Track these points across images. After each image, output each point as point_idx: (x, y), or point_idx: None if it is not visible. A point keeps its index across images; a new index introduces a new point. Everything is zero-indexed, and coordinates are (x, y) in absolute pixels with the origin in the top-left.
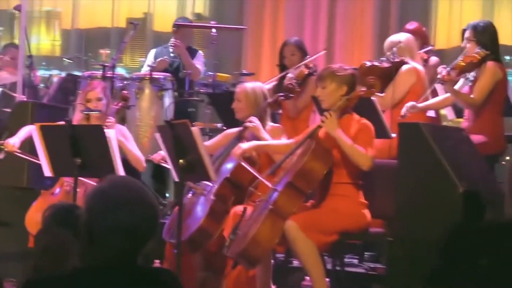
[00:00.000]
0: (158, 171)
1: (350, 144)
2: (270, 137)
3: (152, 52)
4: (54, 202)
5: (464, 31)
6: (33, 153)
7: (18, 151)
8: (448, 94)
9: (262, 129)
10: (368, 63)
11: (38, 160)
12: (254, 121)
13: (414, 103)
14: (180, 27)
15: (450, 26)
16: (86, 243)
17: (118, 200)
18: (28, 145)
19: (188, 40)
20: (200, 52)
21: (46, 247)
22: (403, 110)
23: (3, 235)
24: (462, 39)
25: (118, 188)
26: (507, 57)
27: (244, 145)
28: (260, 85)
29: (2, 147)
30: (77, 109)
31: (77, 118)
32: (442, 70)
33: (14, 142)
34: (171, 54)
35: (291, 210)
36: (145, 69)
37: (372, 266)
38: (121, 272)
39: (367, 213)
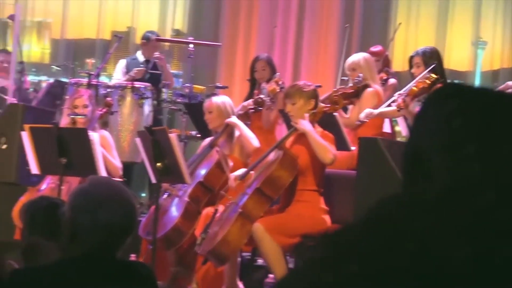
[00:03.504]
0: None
1: (319, 139)
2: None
3: (122, 62)
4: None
5: (411, 57)
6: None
7: None
8: None
9: (242, 124)
10: (336, 88)
11: None
12: (234, 120)
13: (371, 110)
14: (150, 40)
15: (406, 50)
16: (68, 238)
17: (99, 198)
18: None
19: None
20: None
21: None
22: (361, 116)
23: None
24: (410, 66)
25: (99, 187)
26: (457, 82)
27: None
28: (227, 98)
29: None
30: (64, 113)
31: (64, 121)
32: (398, 98)
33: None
34: (141, 65)
35: (258, 213)
36: (116, 77)
37: None
38: (101, 264)
39: (327, 218)
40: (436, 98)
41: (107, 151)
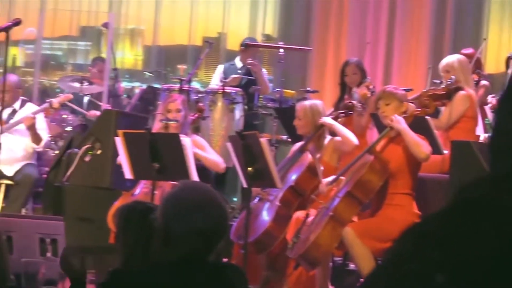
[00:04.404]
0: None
1: (414, 135)
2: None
3: (220, 67)
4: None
5: (508, 58)
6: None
7: None
8: None
9: (337, 124)
10: (427, 89)
11: None
12: (329, 120)
13: None
14: (249, 47)
15: (499, 51)
16: (161, 244)
17: (191, 204)
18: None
19: (254, 58)
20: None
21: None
22: None
23: (87, 231)
24: (507, 66)
25: (191, 193)
26: None
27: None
28: (318, 102)
29: (90, 152)
30: (156, 118)
31: (156, 126)
32: (492, 100)
33: None
34: (238, 71)
35: (349, 217)
36: (214, 83)
37: None
38: (193, 268)
39: None
40: None
41: (203, 151)
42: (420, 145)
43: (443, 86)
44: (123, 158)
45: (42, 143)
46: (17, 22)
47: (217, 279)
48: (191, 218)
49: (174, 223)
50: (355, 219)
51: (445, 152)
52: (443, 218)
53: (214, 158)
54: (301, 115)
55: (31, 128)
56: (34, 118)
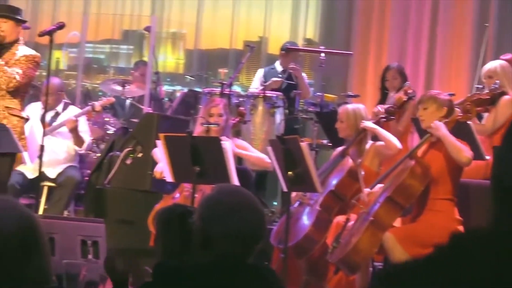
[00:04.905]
0: (261, 181)
1: (454, 140)
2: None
3: (260, 71)
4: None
5: None
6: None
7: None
8: None
9: (379, 128)
10: (471, 94)
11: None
12: (371, 124)
13: None
14: (289, 51)
15: None
16: (199, 246)
17: (228, 207)
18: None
19: (294, 62)
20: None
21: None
22: None
23: (128, 233)
24: None
25: (228, 196)
26: None
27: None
28: (361, 107)
29: (132, 155)
30: (198, 122)
31: (197, 130)
32: None
33: (161, 168)
34: (279, 75)
35: (389, 222)
36: (254, 87)
37: None
38: (232, 270)
39: (461, 229)
40: None
41: (246, 151)
42: (461, 150)
43: (487, 91)
44: (164, 162)
45: (85, 145)
46: (60, 26)
47: (254, 282)
48: (227, 221)
49: (211, 226)
50: (398, 224)
51: (488, 157)
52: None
53: (258, 155)
54: (344, 117)
55: (73, 130)
56: (76, 121)
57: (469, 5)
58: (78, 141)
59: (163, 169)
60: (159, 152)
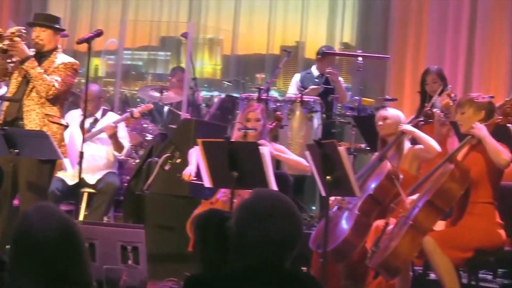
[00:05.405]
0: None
1: (494, 143)
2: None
3: (297, 76)
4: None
5: None
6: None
7: (195, 178)
8: None
9: (418, 131)
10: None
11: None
12: (410, 127)
13: None
14: (325, 55)
15: None
16: (235, 251)
17: (264, 212)
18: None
19: (331, 66)
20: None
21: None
22: None
23: (167, 239)
24: None
25: (264, 201)
26: None
27: None
28: (399, 112)
29: (170, 161)
30: (235, 127)
31: (235, 135)
32: None
33: (190, 171)
34: (315, 79)
35: (429, 226)
36: (291, 92)
37: (506, 282)
38: (269, 275)
39: (502, 233)
40: None
41: (284, 154)
42: (500, 152)
43: None
44: (202, 167)
45: (124, 151)
46: (98, 33)
47: (292, 287)
48: (263, 226)
49: (247, 230)
50: (443, 227)
51: None
52: None
53: (296, 158)
54: (389, 115)
55: (113, 136)
56: (115, 127)
57: (508, 6)
58: (118, 147)
59: (191, 171)
60: (194, 154)
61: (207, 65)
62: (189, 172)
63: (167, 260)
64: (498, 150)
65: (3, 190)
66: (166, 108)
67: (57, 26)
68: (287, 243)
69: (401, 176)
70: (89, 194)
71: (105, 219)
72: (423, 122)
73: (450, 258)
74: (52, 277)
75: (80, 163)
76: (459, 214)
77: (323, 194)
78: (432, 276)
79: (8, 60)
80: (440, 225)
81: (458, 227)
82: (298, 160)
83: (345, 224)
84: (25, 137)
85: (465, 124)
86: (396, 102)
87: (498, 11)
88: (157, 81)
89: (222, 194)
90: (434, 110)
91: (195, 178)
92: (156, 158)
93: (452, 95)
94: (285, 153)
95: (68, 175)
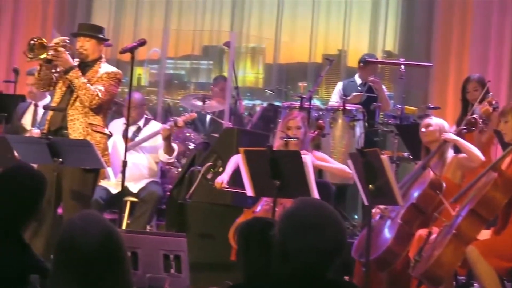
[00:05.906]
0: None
1: None
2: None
3: (340, 84)
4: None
5: None
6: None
7: (226, 186)
8: None
9: (461, 139)
10: None
11: (244, 190)
12: (453, 136)
13: None
14: (368, 63)
15: None
16: (279, 260)
17: (308, 221)
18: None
19: (373, 74)
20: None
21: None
22: None
23: (209, 247)
24: None
25: (307, 210)
26: None
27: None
28: (443, 121)
29: (212, 169)
30: (277, 135)
31: (277, 144)
32: None
33: (222, 179)
34: (358, 88)
35: (473, 235)
36: (333, 100)
37: None
38: (312, 284)
39: None
40: None
41: (326, 162)
42: None
43: None
44: (244, 176)
45: (175, 154)
46: (142, 43)
47: None
48: (307, 235)
49: (291, 239)
50: (488, 236)
51: None
52: None
53: (338, 165)
54: (433, 122)
55: (167, 138)
56: (170, 129)
57: None
58: (169, 149)
59: (223, 179)
60: (232, 162)
61: (249, 74)
62: (221, 180)
63: (209, 268)
64: None
65: (47, 199)
66: (208, 117)
67: (101, 36)
68: (331, 252)
69: (444, 185)
70: (132, 203)
71: (148, 227)
72: (466, 130)
73: (494, 267)
74: (91, 285)
75: (123, 172)
76: (504, 223)
77: (366, 203)
78: (476, 286)
79: (53, 70)
80: (484, 235)
81: (502, 236)
82: (342, 167)
83: (387, 233)
84: (69, 146)
85: (509, 133)
86: (439, 111)
87: None
88: (199, 90)
89: (264, 203)
90: (475, 116)
91: (227, 186)
92: (199, 167)
93: (493, 102)
94: (328, 161)
95: (111, 184)
